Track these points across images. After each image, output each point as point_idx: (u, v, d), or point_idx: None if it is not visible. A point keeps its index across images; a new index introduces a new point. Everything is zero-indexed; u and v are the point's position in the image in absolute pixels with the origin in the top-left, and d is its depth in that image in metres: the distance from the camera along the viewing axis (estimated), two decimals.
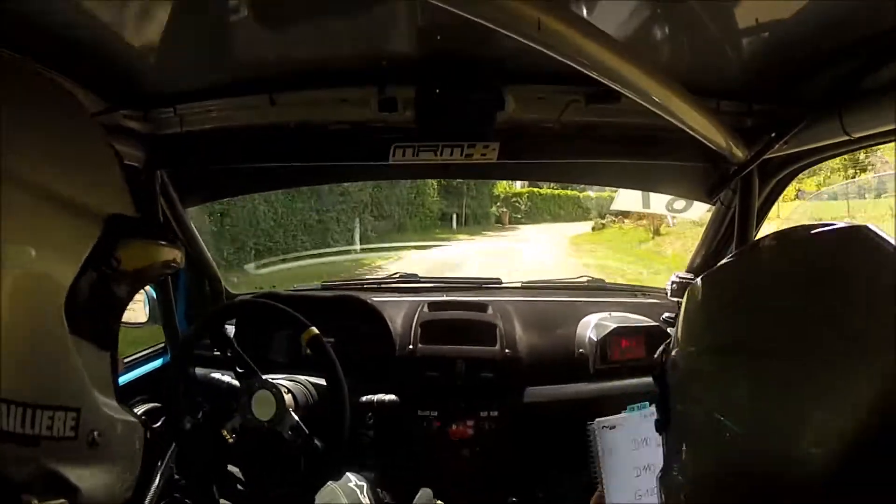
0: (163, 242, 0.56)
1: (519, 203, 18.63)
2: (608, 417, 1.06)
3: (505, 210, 18.01)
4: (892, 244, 0.48)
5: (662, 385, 0.62)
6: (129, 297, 0.54)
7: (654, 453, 1.01)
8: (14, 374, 0.40)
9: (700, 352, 0.55)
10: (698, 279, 0.59)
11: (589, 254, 11.07)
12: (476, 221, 16.63)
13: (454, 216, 15.70)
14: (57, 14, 0.72)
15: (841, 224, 0.53)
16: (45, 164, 0.44)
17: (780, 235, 0.58)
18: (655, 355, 0.72)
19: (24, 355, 0.42)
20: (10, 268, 0.40)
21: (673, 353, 0.61)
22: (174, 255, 0.57)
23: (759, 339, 0.49)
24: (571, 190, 19.02)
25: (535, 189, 18.56)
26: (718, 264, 0.63)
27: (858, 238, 0.50)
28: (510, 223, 17.50)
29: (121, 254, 0.48)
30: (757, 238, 0.61)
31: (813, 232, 0.54)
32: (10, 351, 0.40)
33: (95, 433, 0.47)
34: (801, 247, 0.55)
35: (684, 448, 0.59)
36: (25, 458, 0.41)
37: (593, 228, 15.12)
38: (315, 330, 1.08)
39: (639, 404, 1.07)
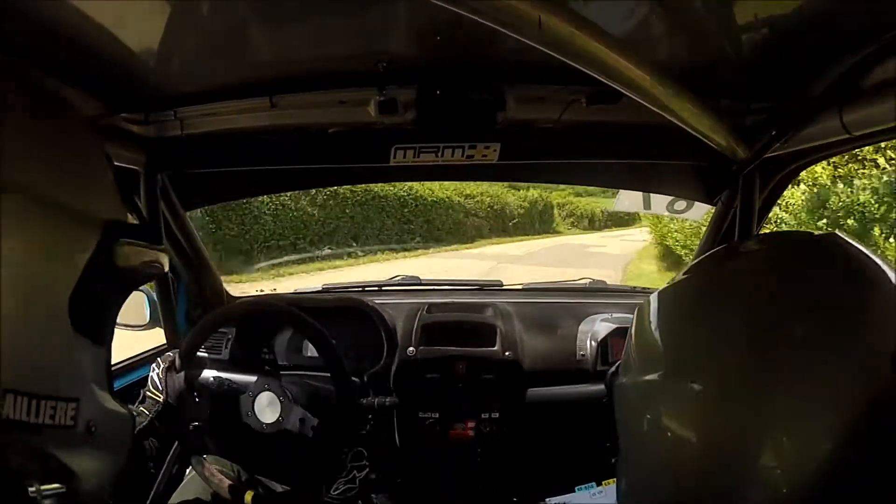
0: (151, 245, 0.59)
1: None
2: (558, 497, 1.12)
3: None
4: (861, 251, 0.47)
5: (614, 410, 0.60)
6: (124, 297, 0.58)
7: None
8: (21, 366, 0.43)
9: (652, 375, 0.52)
10: (651, 296, 0.57)
11: None
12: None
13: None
14: (56, 17, 0.72)
15: (810, 232, 0.52)
16: (47, 173, 0.47)
17: (746, 242, 0.56)
18: (604, 383, 0.69)
19: (31, 350, 0.44)
20: (20, 270, 0.42)
21: (624, 379, 0.58)
22: (160, 256, 0.61)
23: (715, 356, 0.47)
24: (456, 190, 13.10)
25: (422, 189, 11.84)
26: (672, 281, 0.60)
27: (828, 245, 0.49)
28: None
29: (117, 256, 0.52)
30: (712, 250, 0.60)
31: (783, 240, 0.52)
32: (19, 346, 0.42)
33: (92, 422, 0.49)
34: (768, 255, 0.53)
35: (637, 475, 0.57)
36: (28, 447, 0.43)
37: None
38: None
39: (587, 484, 1.13)
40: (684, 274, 0.59)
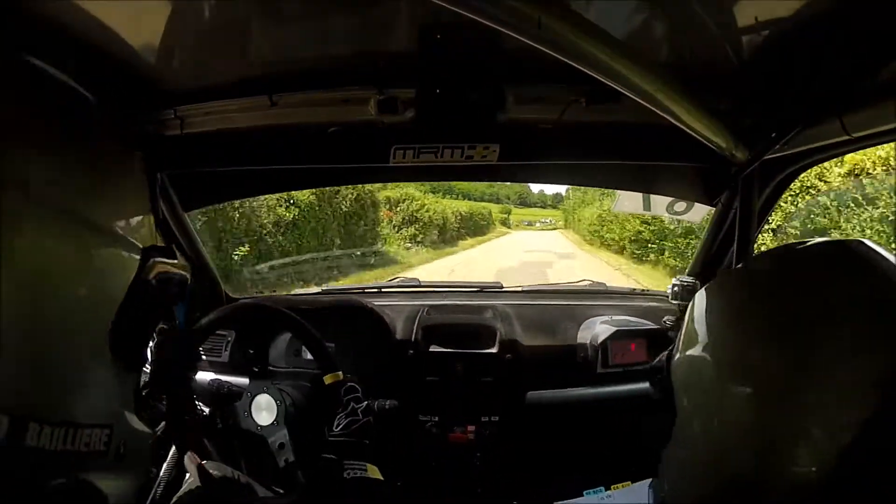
0: (180, 263, 0.61)
1: None
2: (565, 501, 1.12)
3: None
4: (884, 257, 0.48)
5: (664, 389, 0.62)
6: (157, 320, 0.59)
7: None
8: (63, 398, 0.44)
9: (702, 359, 0.55)
10: (703, 288, 0.60)
11: None
12: None
13: None
14: (57, 15, 0.72)
15: (837, 238, 0.54)
16: (96, 201, 0.50)
17: (780, 249, 0.60)
18: (655, 361, 0.72)
19: (73, 381, 0.46)
20: (67, 302, 0.44)
21: (676, 357, 0.60)
22: (186, 272, 0.63)
23: (760, 350, 0.49)
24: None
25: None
26: (722, 273, 0.63)
27: (852, 251, 0.51)
28: None
29: (154, 280, 0.54)
30: (763, 250, 0.63)
31: (811, 245, 0.55)
32: (64, 379, 0.44)
33: (121, 446, 0.51)
34: (799, 261, 0.55)
35: (680, 454, 0.59)
36: (63, 473, 0.45)
37: None
38: (340, 374, 1.05)
39: (595, 489, 1.12)
40: (734, 269, 0.62)
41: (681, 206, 1.54)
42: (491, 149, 1.17)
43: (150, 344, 1.09)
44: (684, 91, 0.83)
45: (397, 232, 12.09)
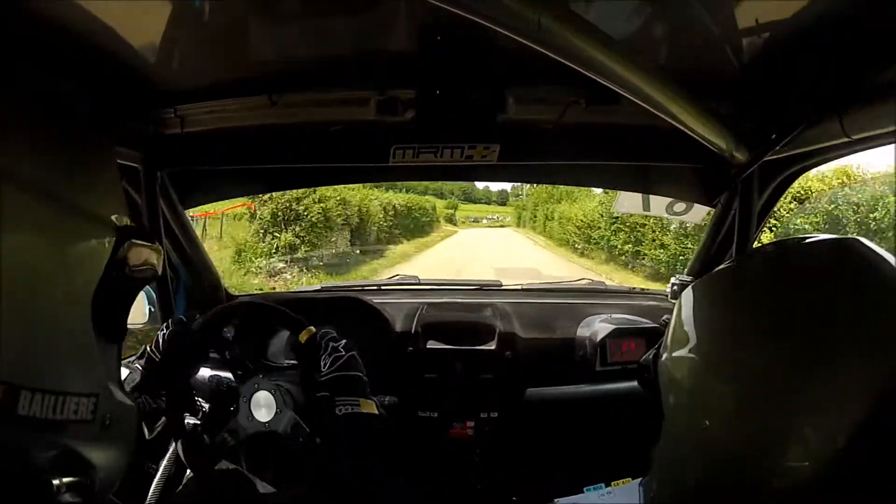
0: (154, 245, 0.63)
1: None
2: (566, 498, 1.12)
3: None
4: (881, 256, 0.48)
5: (652, 388, 0.62)
6: (134, 295, 0.61)
7: None
8: (50, 367, 0.46)
9: (689, 357, 0.55)
10: (689, 286, 0.59)
11: None
12: None
13: None
14: (57, 15, 0.72)
15: (833, 236, 0.53)
16: (57, 173, 0.50)
17: (774, 246, 0.59)
18: (641, 359, 0.72)
19: (60, 352, 0.48)
20: (47, 274, 0.46)
21: (663, 357, 0.60)
22: (159, 255, 0.64)
23: (748, 348, 0.49)
24: None
25: None
26: (713, 271, 0.63)
27: (849, 250, 0.51)
28: None
29: (129, 258, 0.56)
30: (753, 247, 0.63)
31: (805, 243, 0.54)
32: (50, 349, 0.46)
33: (107, 416, 0.53)
34: (793, 258, 0.55)
35: (668, 453, 0.59)
36: (51, 442, 0.46)
37: None
38: (313, 329, 1.07)
39: (596, 485, 1.12)
40: (724, 266, 0.62)
41: (680, 206, 1.54)
42: (491, 149, 1.17)
43: (158, 336, 1.11)
44: (684, 93, 0.83)
45: (261, 240, 7.54)
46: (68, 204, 0.49)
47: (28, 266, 0.44)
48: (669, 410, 0.57)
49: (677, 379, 0.57)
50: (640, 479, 0.96)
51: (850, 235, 0.56)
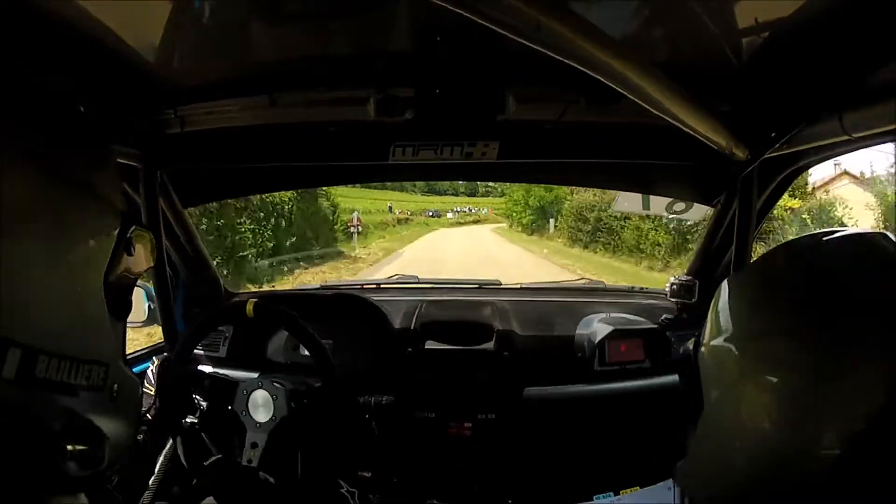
0: (150, 232, 0.66)
1: None
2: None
3: None
4: None
5: (693, 378, 0.63)
6: (136, 278, 0.64)
7: None
8: (69, 333, 0.49)
9: (730, 346, 0.56)
10: (726, 280, 0.61)
11: None
12: None
13: None
14: (57, 14, 0.72)
15: (863, 230, 0.55)
16: (71, 177, 0.52)
17: (807, 238, 0.61)
18: (681, 350, 0.73)
19: (77, 320, 0.51)
20: (73, 253, 0.50)
21: (702, 347, 0.61)
22: (154, 246, 0.67)
23: (784, 339, 0.50)
24: None
25: None
26: (749, 264, 0.63)
27: (875, 245, 0.52)
28: None
29: (133, 240, 0.60)
30: (786, 241, 0.64)
31: (837, 237, 0.56)
32: (68, 316, 0.49)
33: (115, 387, 0.55)
34: (825, 251, 0.56)
35: (706, 441, 0.59)
36: (65, 407, 0.48)
37: None
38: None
39: (604, 493, 1.10)
40: (761, 258, 0.64)
41: (680, 205, 1.54)
42: (490, 146, 1.17)
43: (152, 366, 1.13)
44: (684, 91, 0.83)
45: None
46: (77, 194, 0.52)
47: (44, 248, 0.46)
48: (711, 404, 0.58)
49: (719, 372, 0.58)
50: (662, 484, 0.95)
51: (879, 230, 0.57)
